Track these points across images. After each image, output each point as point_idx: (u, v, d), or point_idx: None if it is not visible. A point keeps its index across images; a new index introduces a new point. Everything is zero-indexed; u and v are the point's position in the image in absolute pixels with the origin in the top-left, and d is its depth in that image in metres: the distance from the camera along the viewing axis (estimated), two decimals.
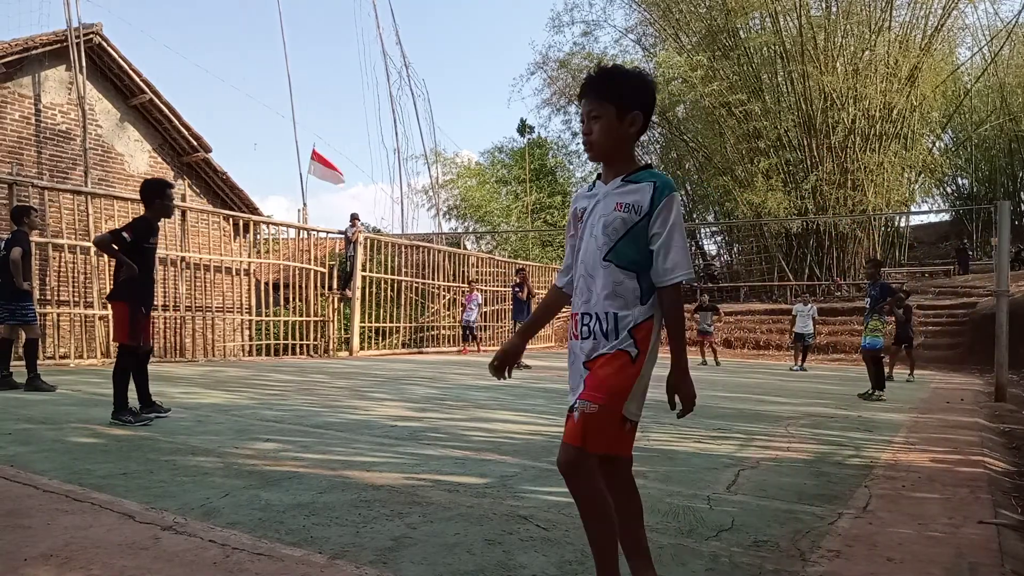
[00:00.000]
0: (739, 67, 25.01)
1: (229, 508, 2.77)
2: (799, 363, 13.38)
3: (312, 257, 14.35)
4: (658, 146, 32.29)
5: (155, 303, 5.53)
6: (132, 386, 5.00)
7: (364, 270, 14.71)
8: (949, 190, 35.23)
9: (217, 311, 12.74)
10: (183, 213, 12.12)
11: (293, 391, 7.32)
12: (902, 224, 27.75)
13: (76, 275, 10.51)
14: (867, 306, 8.71)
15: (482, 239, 30.99)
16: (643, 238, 1.83)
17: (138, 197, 5.42)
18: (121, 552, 2.25)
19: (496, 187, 32.86)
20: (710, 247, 33.01)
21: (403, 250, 16.88)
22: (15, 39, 10.77)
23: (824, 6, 24.24)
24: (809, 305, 13.86)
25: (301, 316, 14.15)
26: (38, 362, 6.93)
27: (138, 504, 2.79)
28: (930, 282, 23.39)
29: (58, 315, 10.31)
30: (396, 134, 44.07)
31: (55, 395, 6.36)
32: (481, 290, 17.39)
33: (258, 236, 14.71)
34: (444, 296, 18.02)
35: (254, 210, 14.19)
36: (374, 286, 15.25)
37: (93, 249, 9.70)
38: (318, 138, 73.92)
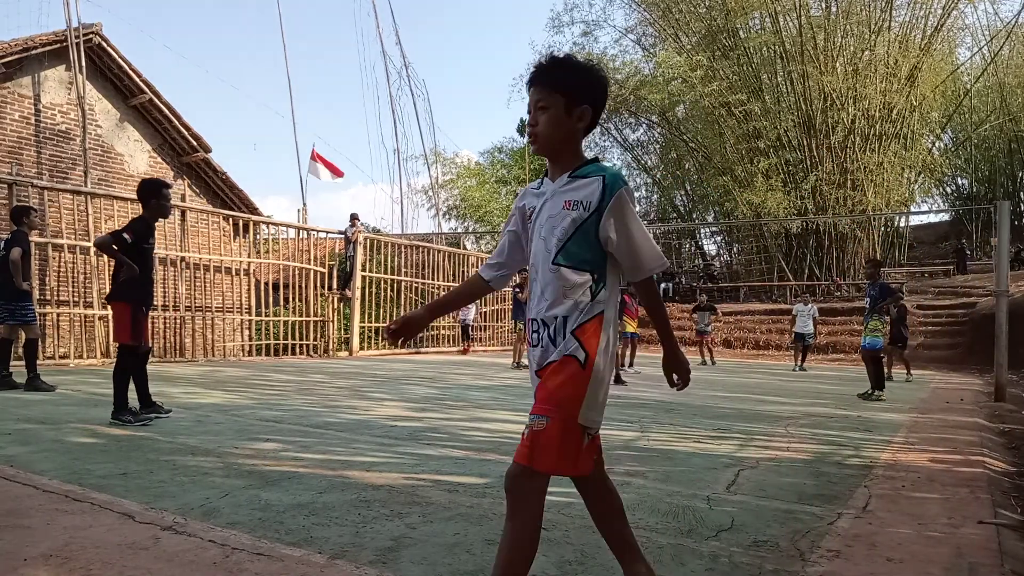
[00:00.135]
0: (739, 67, 25.02)
1: (229, 508, 2.77)
2: (799, 363, 13.40)
3: (312, 257, 14.34)
4: (658, 146, 32.36)
5: (155, 303, 5.53)
6: (132, 386, 5.01)
7: (364, 270, 14.70)
8: (949, 190, 35.24)
9: (217, 311, 12.73)
10: (183, 213, 12.11)
11: (293, 391, 7.32)
12: (902, 224, 27.74)
13: (76, 275, 10.50)
14: (867, 306, 8.73)
15: (482, 239, 31.00)
16: (594, 234, 1.72)
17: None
18: (121, 552, 2.25)
19: (496, 187, 32.89)
20: (710, 247, 33.10)
21: (403, 250, 16.88)
22: (15, 39, 10.77)
23: (824, 6, 24.23)
24: (809, 305, 13.86)
25: (301, 316, 14.15)
26: (38, 362, 6.93)
27: (138, 504, 2.79)
28: (930, 282, 23.38)
29: (58, 315, 10.31)
30: (396, 134, 44.19)
31: (55, 395, 6.36)
32: None
33: (258, 236, 14.69)
34: None
35: (254, 210, 14.18)
36: (374, 286, 15.25)
37: (93, 249, 9.70)
38: (318, 138, 73.94)
